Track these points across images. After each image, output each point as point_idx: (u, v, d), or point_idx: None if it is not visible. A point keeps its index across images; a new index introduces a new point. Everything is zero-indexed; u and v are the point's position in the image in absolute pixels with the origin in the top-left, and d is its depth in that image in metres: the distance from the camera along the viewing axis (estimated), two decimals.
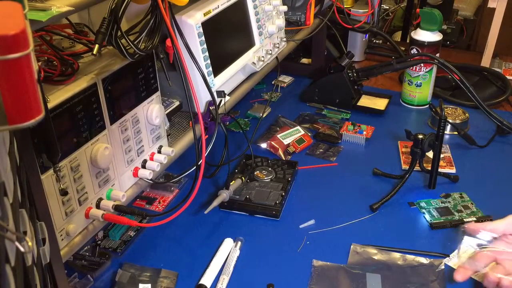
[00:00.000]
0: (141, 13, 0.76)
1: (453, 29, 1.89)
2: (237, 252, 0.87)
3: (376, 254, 0.86)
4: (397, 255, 0.86)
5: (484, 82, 1.42)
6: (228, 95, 0.99)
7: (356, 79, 1.32)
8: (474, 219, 0.93)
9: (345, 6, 1.45)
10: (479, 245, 0.81)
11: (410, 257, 0.86)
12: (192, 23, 0.87)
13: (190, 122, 0.89)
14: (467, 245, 0.82)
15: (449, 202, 0.98)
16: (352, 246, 0.88)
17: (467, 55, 1.68)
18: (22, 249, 0.32)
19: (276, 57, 1.17)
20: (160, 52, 0.81)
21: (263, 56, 1.07)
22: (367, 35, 1.60)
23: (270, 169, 1.05)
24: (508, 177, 1.06)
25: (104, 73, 0.69)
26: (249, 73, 1.07)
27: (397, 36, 1.97)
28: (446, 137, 1.18)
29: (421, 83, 1.30)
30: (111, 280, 0.82)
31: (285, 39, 1.19)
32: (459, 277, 0.78)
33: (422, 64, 1.28)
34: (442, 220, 0.93)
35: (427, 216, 0.95)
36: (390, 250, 0.87)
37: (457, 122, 1.21)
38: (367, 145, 1.19)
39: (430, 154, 1.01)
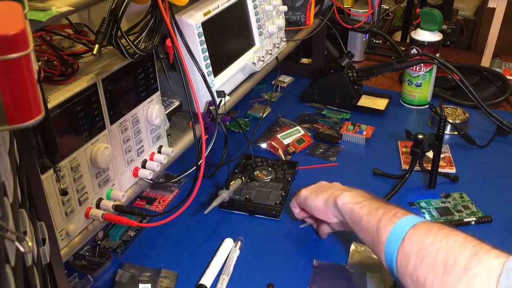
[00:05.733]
0: (141, 13, 0.76)
1: (453, 29, 1.89)
2: (237, 252, 0.87)
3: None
4: None
5: (484, 82, 1.42)
6: (228, 95, 0.99)
7: (356, 79, 1.32)
8: (474, 219, 0.93)
9: (345, 6, 1.45)
10: None
11: None
12: (192, 23, 0.87)
13: (190, 122, 0.89)
14: None
15: (449, 202, 0.98)
16: (352, 246, 0.88)
17: (467, 55, 1.68)
18: (22, 249, 0.32)
19: (276, 57, 1.17)
20: (160, 52, 0.81)
21: (263, 56, 1.07)
22: (367, 35, 1.60)
23: (270, 169, 1.05)
24: (508, 177, 1.06)
25: (104, 73, 0.69)
26: (249, 73, 1.07)
27: (397, 36, 1.97)
28: (446, 137, 1.18)
29: (421, 83, 1.30)
30: (111, 280, 0.82)
31: (285, 39, 1.19)
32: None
33: (422, 64, 1.28)
34: (442, 220, 0.93)
35: (427, 216, 0.95)
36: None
37: (457, 122, 1.21)
38: (367, 145, 1.19)
39: (430, 154, 1.01)
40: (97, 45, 0.64)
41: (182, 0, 0.74)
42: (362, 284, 0.81)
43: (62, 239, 0.67)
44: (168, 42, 0.79)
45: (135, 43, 0.70)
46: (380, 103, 1.33)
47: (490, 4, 1.46)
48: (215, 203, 0.91)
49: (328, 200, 0.80)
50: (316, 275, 0.83)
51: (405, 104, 1.36)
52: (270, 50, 1.10)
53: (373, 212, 0.71)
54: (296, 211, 0.90)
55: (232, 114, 1.25)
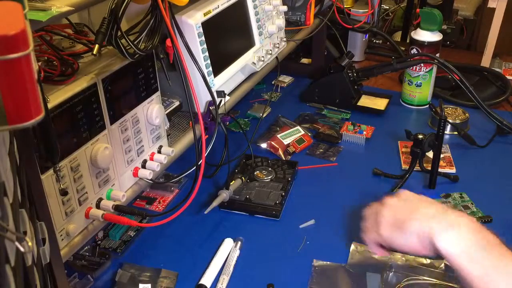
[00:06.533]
0: (141, 13, 0.76)
1: (453, 29, 1.89)
2: (237, 252, 0.87)
3: (377, 254, 0.86)
4: (397, 255, 0.86)
5: (484, 82, 1.42)
6: (228, 95, 0.99)
7: (356, 79, 1.32)
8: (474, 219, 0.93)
9: (345, 6, 1.45)
10: None
11: (410, 257, 0.85)
12: (192, 23, 0.87)
13: (190, 122, 0.89)
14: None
15: (449, 202, 0.98)
16: (352, 246, 0.88)
17: (467, 55, 1.68)
18: (22, 249, 0.32)
19: (276, 57, 1.17)
20: (160, 52, 0.81)
21: (263, 56, 1.07)
22: (367, 35, 1.60)
23: (270, 169, 1.05)
24: (508, 177, 1.06)
25: (104, 73, 0.69)
26: (249, 73, 1.07)
27: (397, 36, 1.97)
28: (446, 137, 1.18)
29: (421, 83, 1.30)
30: (111, 280, 0.82)
31: (285, 39, 1.19)
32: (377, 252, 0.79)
33: (422, 64, 1.28)
34: None
35: None
36: (390, 249, 0.87)
37: (457, 122, 1.21)
38: (367, 145, 1.19)
39: (430, 154, 1.01)
40: (97, 45, 0.64)
41: (182, 0, 0.74)
42: (362, 284, 0.81)
43: (62, 239, 0.67)
44: (168, 42, 0.79)
45: (135, 43, 0.70)
46: (380, 103, 1.33)
47: (490, 4, 1.46)
48: (215, 203, 0.91)
49: (421, 237, 0.66)
50: (316, 275, 0.83)
51: (405, 104, 1.36)
52: (270, 50, 1.10)
53: (489, 275, 0.59)
54: (379, 252, 0.78)
55: (232, 114, 1.25)
